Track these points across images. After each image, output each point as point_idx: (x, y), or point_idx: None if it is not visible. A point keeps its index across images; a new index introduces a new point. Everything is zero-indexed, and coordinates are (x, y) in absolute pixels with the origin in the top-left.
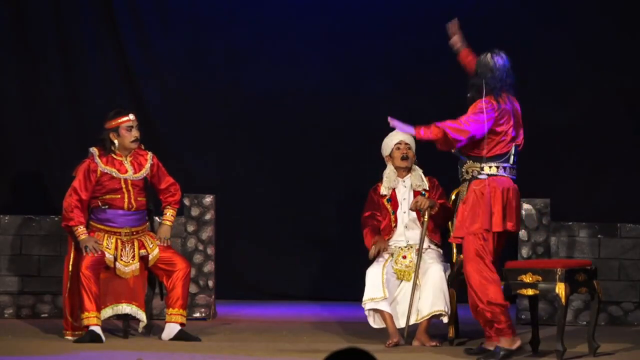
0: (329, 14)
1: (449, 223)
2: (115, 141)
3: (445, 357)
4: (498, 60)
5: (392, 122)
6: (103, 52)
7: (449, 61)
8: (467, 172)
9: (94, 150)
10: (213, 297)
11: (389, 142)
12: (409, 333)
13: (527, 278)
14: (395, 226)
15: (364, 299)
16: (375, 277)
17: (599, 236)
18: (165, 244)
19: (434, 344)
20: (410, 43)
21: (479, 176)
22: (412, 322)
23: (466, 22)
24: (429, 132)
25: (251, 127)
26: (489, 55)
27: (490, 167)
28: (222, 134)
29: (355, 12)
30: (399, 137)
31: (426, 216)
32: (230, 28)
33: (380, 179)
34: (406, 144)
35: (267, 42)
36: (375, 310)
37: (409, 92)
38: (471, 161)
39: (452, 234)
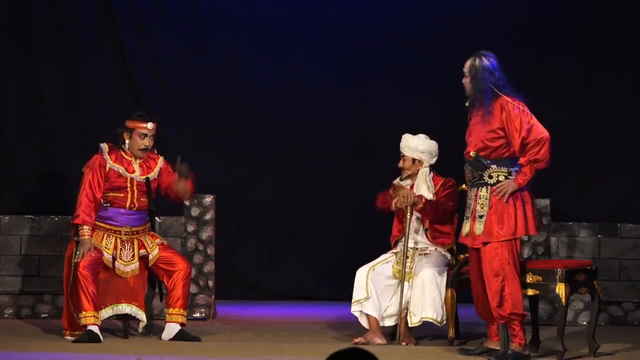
0: (330, 14)
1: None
2: (127, 141)
3: (446, 357)
4: (493, 60)
5: (500, 195)
6: (103, 52)
7: (452, 62)
8: (491, 177)
9: (104, 146)
10: (213, 297)
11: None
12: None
13: (527, 278)
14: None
15: (352, 301)
16: (360, 277)
17: (599, 236)
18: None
19: (404, 343)
20: (412, 43)
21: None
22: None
23: (466, 22)
24: (526, 175)
25: (251, 127)
26: (482, 57)
27: (512, 171)
28: (222, 134)
29: (356, 12)
30: (402, 146)
31: (408, 213)
32: (230, 28)
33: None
34: (402, 154)
35: (267, 42)
36: (362, 312)
37: (410, 91)
38: (495, 165)
39: (466, 235)
